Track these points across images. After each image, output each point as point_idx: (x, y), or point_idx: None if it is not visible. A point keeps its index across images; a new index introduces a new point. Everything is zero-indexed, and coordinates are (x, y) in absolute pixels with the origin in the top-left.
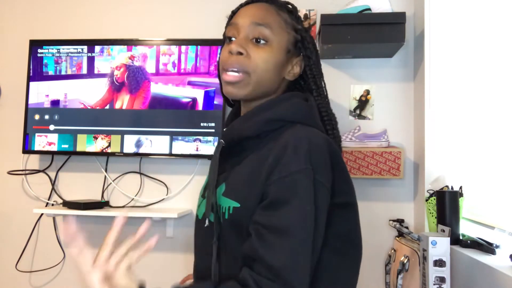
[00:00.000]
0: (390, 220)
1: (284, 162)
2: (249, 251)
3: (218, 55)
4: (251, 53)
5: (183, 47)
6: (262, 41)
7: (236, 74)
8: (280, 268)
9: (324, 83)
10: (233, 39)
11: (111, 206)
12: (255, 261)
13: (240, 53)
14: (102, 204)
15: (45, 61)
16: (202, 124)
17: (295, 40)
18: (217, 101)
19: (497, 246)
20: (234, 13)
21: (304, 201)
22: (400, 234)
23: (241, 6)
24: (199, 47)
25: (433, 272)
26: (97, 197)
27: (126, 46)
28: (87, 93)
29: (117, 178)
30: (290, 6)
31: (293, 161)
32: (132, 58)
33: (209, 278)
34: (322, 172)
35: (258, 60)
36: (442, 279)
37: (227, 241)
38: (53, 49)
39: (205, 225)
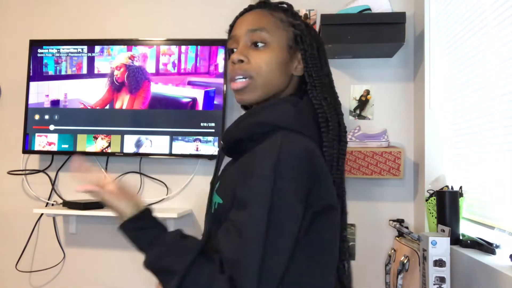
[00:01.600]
0: (390, 220)
1: (251, 167)
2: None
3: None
4: (251, 58)
5: (183, 47)
6: (260, 44)
7: (242, 80)
8: (228, 260)
9: (328, 75)
10: (235, 50)
11: None
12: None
13: (241, 61)
14: (102, 204)
15: (45, 61)
16: (202, 124)
17: (294, 36)
18: (217, 101)
19: (497, 246)
20: (232, 26)
21: (258, 206)
22: (400, 234)
23: (237, 18)
24: (199, 47)
25: (433, 272)
26: None
27: (126, 46)
28: (87, 93)
29: (117, 178)
30: (285, 5)
31: (258, 167)
32: (132, 58)
33: None
34: (289, 179)
35: (260, 63)
36: (442, 279)
37: (212, 233)
38: (53, 49)
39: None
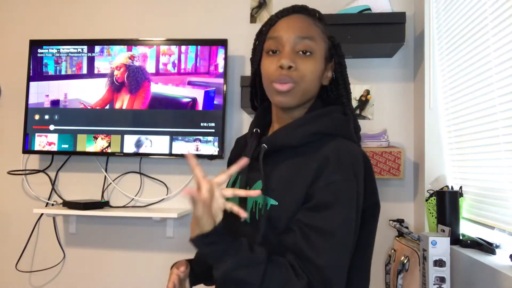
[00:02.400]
0: (390, 220)
1: (330, 171)
2: (293, 248)
3: (254, 63)
4: (299, 65)
5: (183, 47)
6: (307, 53)
7: (288, 84)
8: (324, 267)
9: (350, 87)
10: (276, 51)
11: (111, 206)
12: (300, 258)
13: (290, 67)
14: (102, 204)
15: (45, 61)
16: (202, 124)
17: (329, 47)
18: (217, 101)
19: (497, 246)
20: (271, 25)
21: (347, 208)
22: (400, 234)
23: (278, 18)
24: (199, 47)
25: (433, 272)
26: (97, 197)
27: (126, 46)
28: (87, 93)
29: (117, 178)
30: (318, 14)
31: (339, 171)
32: (132, 58)
33: None
34: (360, 183)
35: (305, 71)
36: (442, 279)
37: (264, 234)
38: (53, 49)
39: (241, 220)
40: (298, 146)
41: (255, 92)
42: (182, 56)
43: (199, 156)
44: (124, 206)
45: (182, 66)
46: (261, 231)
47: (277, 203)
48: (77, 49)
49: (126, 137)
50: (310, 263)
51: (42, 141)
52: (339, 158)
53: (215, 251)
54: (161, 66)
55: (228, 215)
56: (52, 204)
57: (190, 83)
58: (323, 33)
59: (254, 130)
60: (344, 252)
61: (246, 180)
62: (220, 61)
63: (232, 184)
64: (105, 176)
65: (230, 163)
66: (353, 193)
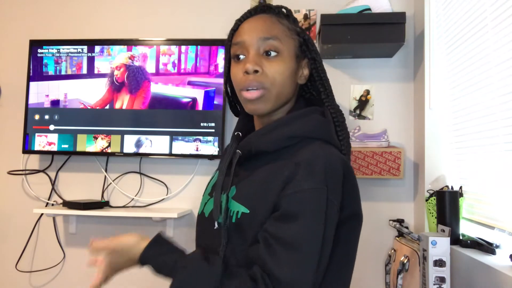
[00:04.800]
0: (390, 220)
1: (300, 178)
2: (257, 259)
3: (224, 72)
4: (265, 68)
5: (183, 47)
6: (273, 53)
7: (256, 90)
8: (286, 281)
9: (329, 82)
10: (242, 56)
11: (111, 206)
12: (263, 270)
13: (256, 71)
14: (102, 204)
15: (45, 61)
16: (202, 124)
17: (299, 44)
18: (217, 101)
19: (497, 246)
20: (234, 30)
21: (314, 219)
22: (400, 234)
23: (240, 22)
24: (199, 47)
25: (433, 272)
26: (97, 197)
27: (126, 46)
28: (87, 93)
29: (117, 178)
30: (284, 10)
31: (309, 179)
32: (132, 58)
33: None
34: (335, 192)
35: (274, 74)
36: (442, 279)
37: (233, 243)
38: (53, 49)
39: (214, 227)
40: (273, 151)
41: (233, 100)
42: (182, 56)
43: (199, 156)
44: (124, 206)
45: (182, 66)
46: (223, 241)
47: (248, 211)
48: (77, 49)
49: (126, 137)
50: (272, 276)
51: (42, 141)
52: (311, 165)
53: (167, 261)
54: (161, 66)
55: (204, 221)
56: (52, 204)
57: (190, 83)
58: (290, 30)
59: (235, 134)
60: (308, 266)
61: (222, 185)
62: (220, 61)
63: (212, 186)
64: (105, 176)
65: None
66: (322, 203)
